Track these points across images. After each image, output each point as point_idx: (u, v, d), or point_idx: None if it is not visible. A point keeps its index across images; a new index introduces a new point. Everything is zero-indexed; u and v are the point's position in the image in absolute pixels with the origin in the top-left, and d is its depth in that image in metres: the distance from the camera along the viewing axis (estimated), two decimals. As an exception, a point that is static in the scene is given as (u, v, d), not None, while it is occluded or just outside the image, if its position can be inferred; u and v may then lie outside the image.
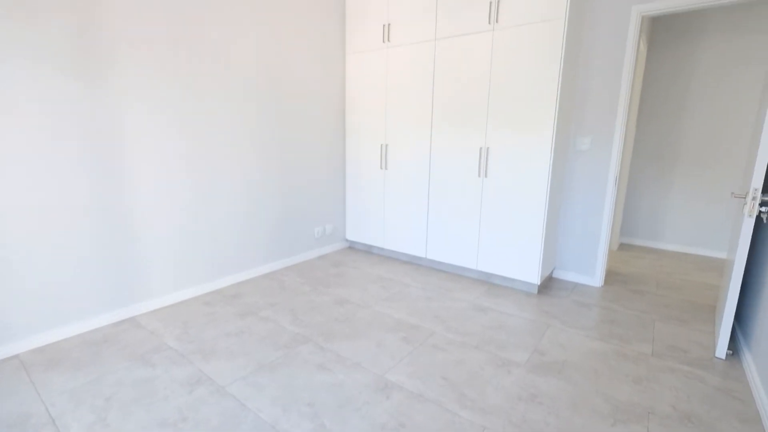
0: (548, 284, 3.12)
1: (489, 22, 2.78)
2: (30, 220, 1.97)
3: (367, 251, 3.97)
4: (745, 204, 1.88)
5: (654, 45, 4.06)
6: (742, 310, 2.28)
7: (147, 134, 2.36)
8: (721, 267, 3.69)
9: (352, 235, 3.98)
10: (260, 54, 2.93)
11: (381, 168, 3.60)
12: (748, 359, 1.95)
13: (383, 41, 3.38)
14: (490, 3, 2.75)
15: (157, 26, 2.33)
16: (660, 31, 4.02)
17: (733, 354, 2.12)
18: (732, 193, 2.19)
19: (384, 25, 3.35)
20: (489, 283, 3.15)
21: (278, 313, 2.52)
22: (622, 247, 4.33)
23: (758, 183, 1.81)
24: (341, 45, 3.63)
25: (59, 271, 2.09)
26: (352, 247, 4.09)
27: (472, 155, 3.01)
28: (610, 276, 3.36)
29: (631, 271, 3.52)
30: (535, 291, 2.94)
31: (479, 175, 3.00)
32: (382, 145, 3.55)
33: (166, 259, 2.56)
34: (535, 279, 2.86)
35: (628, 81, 2.77)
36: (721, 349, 2.06)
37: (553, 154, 2.70)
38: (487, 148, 2.93)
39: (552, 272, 3.27)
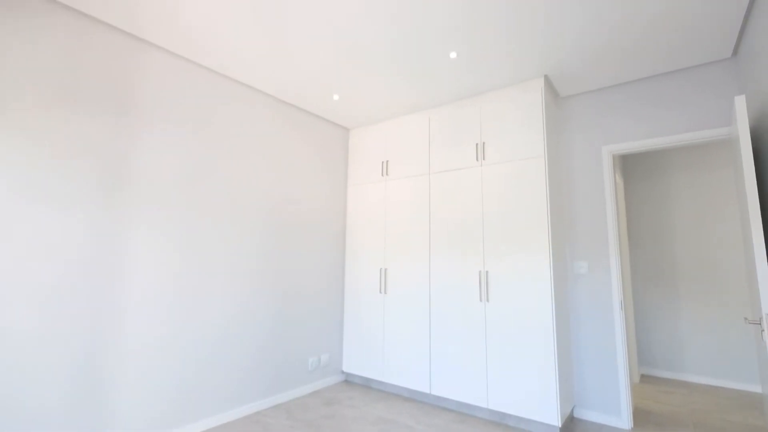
0: (570, 426, 2.74)
1: (477, 159, 3.10)
2: None
3: (366, 385, 3.60)
4: (763, 330, 1.78)
5: (630, 177, 4.46)
6: (804, 461, 1.94)
7: (143, 259, 2.38)
8: (760, 403, 3.30)
9: (350, 366, 3.67)
10: (266, 184, 3.18)
11: (380, 292, 3.54)
12: None
13: (382, 175, 3.71)
14: (476, 144, 3.12)
15: (173, 162, 2.58)
16: (633, 165, 4.46)
17: None
18: (745, 318, 2.10)
19: (383, 162, 3.73)
20: (503, 424, 2.76)
21: (259, 468, 2.13)
22: (645, 379, 3.95)
23: (770, 308, 1.75)
24: (343, 177, 3.98)
25: None
26: (349, 381, 3.72)
27: (472, 279, 2.99)
28: (639, 415, 2.97)
29: (662, 409, 3.13)
30: (558, 435, 2.56)
31: (481, 300, 2.93)
32: (381, 269, 3.56)
33: (129, 402, 2.28)
34: (555, 420, 2.52)
35: (612, 209, 2.94)
36: None
37: (553, 278, 2.68)
38: (486, 272, 2.93)
39: (572, 411, 2.91)
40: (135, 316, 2.29)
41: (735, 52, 2.56)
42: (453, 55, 2.61)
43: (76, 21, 2.16)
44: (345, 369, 3.71)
